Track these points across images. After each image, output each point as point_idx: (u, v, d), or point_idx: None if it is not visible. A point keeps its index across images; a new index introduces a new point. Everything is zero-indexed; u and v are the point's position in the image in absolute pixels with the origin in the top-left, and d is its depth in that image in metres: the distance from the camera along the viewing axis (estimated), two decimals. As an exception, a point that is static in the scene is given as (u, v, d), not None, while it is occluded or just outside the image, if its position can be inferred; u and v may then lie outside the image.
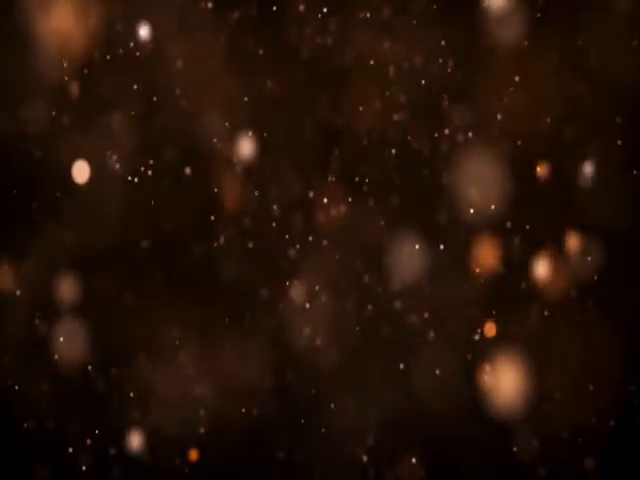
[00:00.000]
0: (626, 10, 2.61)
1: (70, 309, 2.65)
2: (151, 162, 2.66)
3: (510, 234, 2.65)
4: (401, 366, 2.67)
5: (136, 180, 2.65)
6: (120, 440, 2.67)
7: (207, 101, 2.64)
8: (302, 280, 2.68)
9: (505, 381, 2.65)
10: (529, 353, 2.65)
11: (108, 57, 2.63)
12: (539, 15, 2.63)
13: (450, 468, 2.68)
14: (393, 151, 2.64)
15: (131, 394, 2.66)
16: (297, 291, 2.68)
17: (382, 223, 2.67)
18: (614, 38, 2.63)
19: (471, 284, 2.66)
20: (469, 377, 2.67)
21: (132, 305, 2.65)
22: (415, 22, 2.64)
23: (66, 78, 2.61)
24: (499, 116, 2.65)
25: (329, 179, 2.67)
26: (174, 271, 2.67)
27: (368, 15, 2.61)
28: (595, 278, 2.66)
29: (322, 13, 2.63)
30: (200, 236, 2.67)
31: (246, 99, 2.66)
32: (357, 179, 2.67)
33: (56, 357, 2.65)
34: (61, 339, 2.65)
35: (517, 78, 2.64)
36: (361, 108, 2.65)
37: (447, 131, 2.65)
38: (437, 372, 2.66)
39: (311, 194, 2.67)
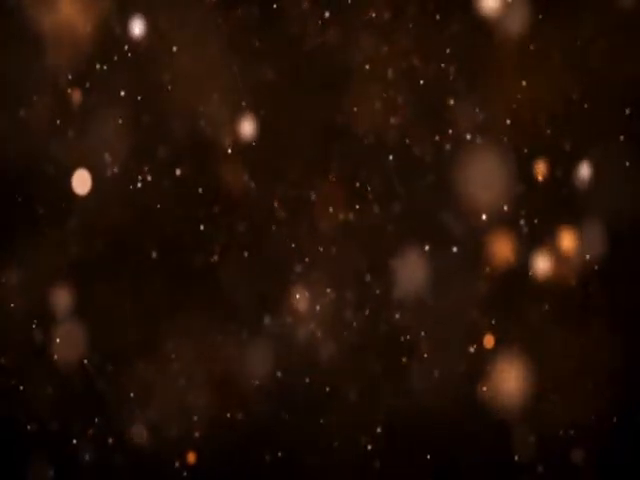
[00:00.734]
0: (629, 9, 2.61)
1: (70, 314, 2.65)
2: (149, 166, 2.65)
3: (510, 234, 2.66)
4: (401, 365, 2.68)
5: (137, 185, 2.64)
6: (120, 441, 2.67)
7: (207, 103, 2.64)
8: (303, 283, 2.68)
9: (505, 380, 2.66)
10: (529, 352, 2.65)
11: (108, 57, 2.62)
12: (540, 16, 2.63)
13: (450, 467, 2.69)
14: (391, 156, 2.64)
15: (131, 394, 2.66)
16: (298, 294, 2.68)
17: (383, 224, 2.67)
18: (615, 37, 2.64)
19: (471, 284, 2.66)
20: (469, 376, 2.67)
21: (132, 310, 2.65)
22: (414, 22, 2.64)
23: (69, 77, 2.61)
24: (499, 116, 2.65)
25: (330, 179, 2.67)
26: (175, 275, 2.67)
27: (372, 15, 2.61)
28: (595, 278, 2.66)
29: (323, 17, 2.63)
30: (198, 241, 2.67)
31: (246, 100, 2.66)
32: (358, 184, 2.67)
33: (55, 358, 2.65)
34: (61, 344, 2.64)
35: (517, 78, 2.64)
36: (357, 108, 2.65)
37: (450, 131, 2.65)
38: (437, 372, 2.67)
39: (313, 195, 2.67)
